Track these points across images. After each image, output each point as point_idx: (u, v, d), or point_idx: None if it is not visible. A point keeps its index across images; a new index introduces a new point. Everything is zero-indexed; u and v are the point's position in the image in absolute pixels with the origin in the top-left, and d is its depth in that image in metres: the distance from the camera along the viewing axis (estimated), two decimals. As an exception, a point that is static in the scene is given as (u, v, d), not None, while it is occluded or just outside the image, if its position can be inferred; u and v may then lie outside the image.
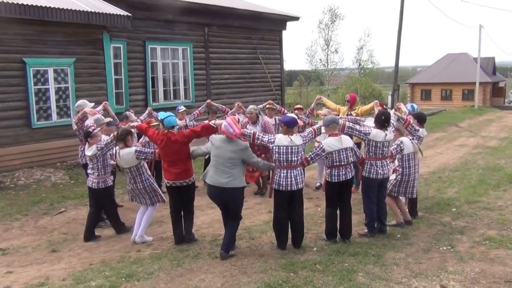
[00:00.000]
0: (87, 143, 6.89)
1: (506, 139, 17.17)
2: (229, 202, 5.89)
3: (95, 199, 6.92)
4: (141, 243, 6.56)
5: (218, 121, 6.27)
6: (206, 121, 6.54)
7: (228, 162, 5.78)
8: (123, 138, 6.46)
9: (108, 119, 7.82)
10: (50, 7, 11.09)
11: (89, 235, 6.84)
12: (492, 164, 11.72)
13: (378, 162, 6.41)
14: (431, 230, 6.69)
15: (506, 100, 50.28)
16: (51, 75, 11.73)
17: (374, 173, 6.41)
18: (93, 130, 6.96)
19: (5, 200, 9.14)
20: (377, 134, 6.34)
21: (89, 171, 6.96)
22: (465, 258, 5.60)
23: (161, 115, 6.29)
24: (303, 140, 6.01)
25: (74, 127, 7.90)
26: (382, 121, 6.39)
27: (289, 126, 5.99)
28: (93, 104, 8.33)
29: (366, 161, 6.48)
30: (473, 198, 8.34)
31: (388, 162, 6.59)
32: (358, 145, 7.83)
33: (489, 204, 7.95)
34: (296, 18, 22.10)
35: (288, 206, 6.03)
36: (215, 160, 5.89)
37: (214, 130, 6.26)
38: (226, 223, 6.11)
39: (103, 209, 7.07)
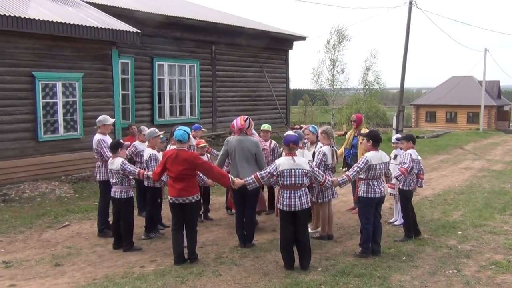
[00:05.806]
0: (115, 153, 6.86)
1: (511, 163, 17.11)
2: (252, 191, 6.56)
3: (116, 209, 6.97)
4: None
5: (237, 181, 6.31)
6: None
7: (249, 154, 6.84)
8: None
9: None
10: (60, 22, 11.24)
11: (117, 243, 7.01)
12: (498, 187, 11.66)
13: (374, 181, 6.42)
14: (437, 253, 6.63)
15: (511, 124, 50.24)
16: (59, 89, 11.83)
17: (372, 192, 6.39)
18: (124, 142, 7.35)
19: (10, 213, 9.14)
20: (373, 156, 6.38)
21: (112, 181, 6.94)
22: (472, 283, 5.54)
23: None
24: (310, 166, 6.01)
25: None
26: (378, 140, 6.53)
27: (296, 144, 6.01)
28: (113, 120, 8.37)
29: (363, 181, 6.48)
30: (479, 221, 8.28)
31: (383, 180, 6.60)
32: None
33: (495, 228, 7.89)
34: (302, 38, 22.31)
35: (293, 226, 5.99)
36: (237, 156, 6.86)
37: (227, 182, 6.31)
38: (239, 219, 6.99)
39: (121, 220, 6.93)
